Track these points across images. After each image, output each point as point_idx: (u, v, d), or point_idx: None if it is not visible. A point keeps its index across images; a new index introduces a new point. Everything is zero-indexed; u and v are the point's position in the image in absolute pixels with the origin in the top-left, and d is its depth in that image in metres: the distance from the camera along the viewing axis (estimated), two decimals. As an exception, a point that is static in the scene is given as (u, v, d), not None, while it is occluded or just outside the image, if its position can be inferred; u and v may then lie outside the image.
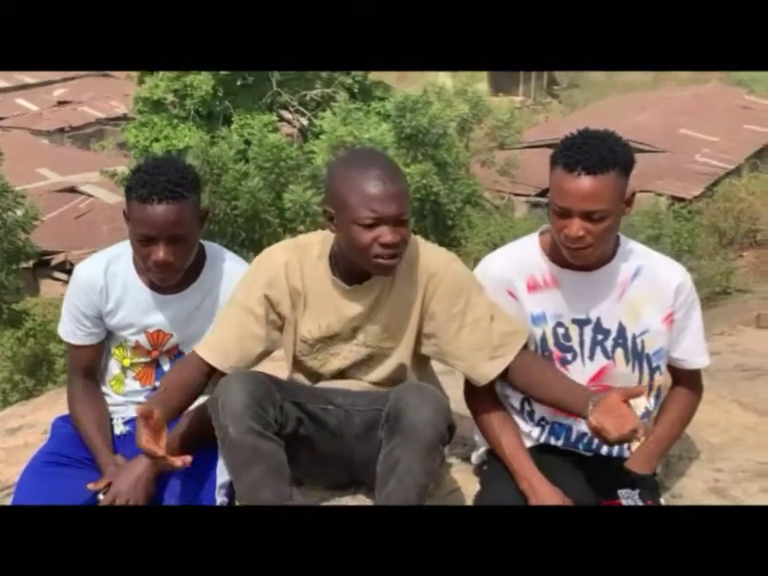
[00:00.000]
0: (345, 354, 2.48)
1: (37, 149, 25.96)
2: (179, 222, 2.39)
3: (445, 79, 24.67)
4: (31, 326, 15.37)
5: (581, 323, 2.44)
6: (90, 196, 21.73)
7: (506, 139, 18.75)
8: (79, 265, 2.63)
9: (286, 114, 18.83)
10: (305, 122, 18.01)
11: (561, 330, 2.45)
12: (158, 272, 2.45)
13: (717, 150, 26.54)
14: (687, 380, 2.54)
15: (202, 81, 17.26)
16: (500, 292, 2.45)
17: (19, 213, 15.32)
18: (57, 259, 18.20)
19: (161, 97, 17.85)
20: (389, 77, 26.62)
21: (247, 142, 16.08)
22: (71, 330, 2.62)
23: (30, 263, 17.33)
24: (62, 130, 30.25)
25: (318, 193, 13.87)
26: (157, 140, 17.85)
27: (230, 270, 2.61)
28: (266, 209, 13.65)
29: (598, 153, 2.22)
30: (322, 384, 2.53)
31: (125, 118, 26.75)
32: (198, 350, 2.46)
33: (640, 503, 2.34)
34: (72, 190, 22.22)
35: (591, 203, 2.23)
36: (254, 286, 2.46)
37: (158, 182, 2.38)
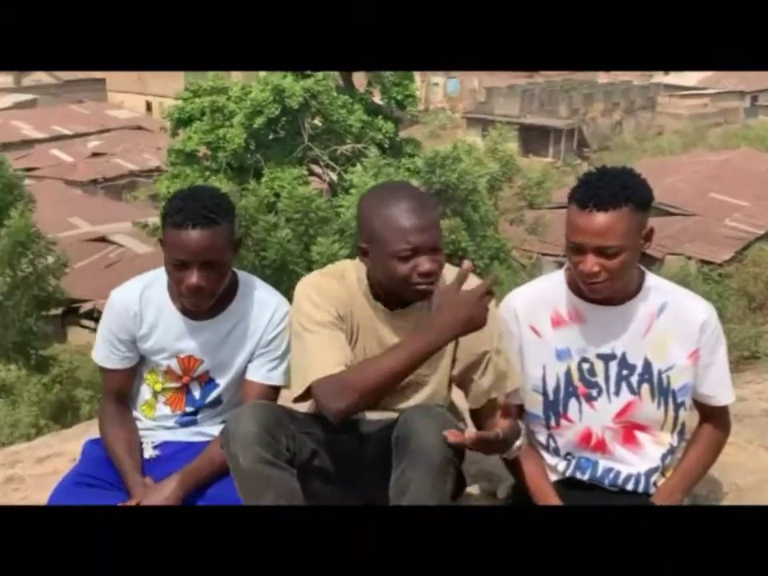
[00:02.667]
0: None
1: (70, 198, 26.34)
2: (212, 247, 2.44)
3: (475, 138, 24.91)
4: (58, 372, 15.47)
5: (606, 358, 2.45)
6: (121, 246, 21.97)
7: (536, 199, 18.86)
8: (115, 290, 2.67)
9: (317, 169, 19.04)
10: (334, 176, 18.19)
11: (586, 366, 2.46)
12: (190, 297, 2.49)
13: (747, 214, 26.49)
14: (714, 416, 2.55)
15: (235, 134, 17.52)
16: (523, 327, 2.48)
17: (50, 260, 15.54)
18: (85, 307, 18.35)
19: (193, 149, 18.12)
20: (419, 134, 26.84)
21: (276, 195, 16.27)
22: (105, 354, 2.67)
23: (59, 310, 17.51)
24: (95, 181, 30.73)
25: (346, 247, 13.96)
26: (189, 191, 18.06)
27: (262, 299, 2.65)
28: (294, 260, 13.78)
29: (610, 189, 2.26)
30: None
31: (157, 169, 27.19)
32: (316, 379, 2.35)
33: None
34: (103, 239, 22.48)
35: (603, 239, 2.26)
36: (324, 305, 2.43)
37: (192, 208, 2.44)
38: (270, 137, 18.18)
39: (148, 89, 43.86)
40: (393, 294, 2.42)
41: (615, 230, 2.26)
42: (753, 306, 20.31)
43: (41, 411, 14.73)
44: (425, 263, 2.30)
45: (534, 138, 39.78)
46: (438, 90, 49.19)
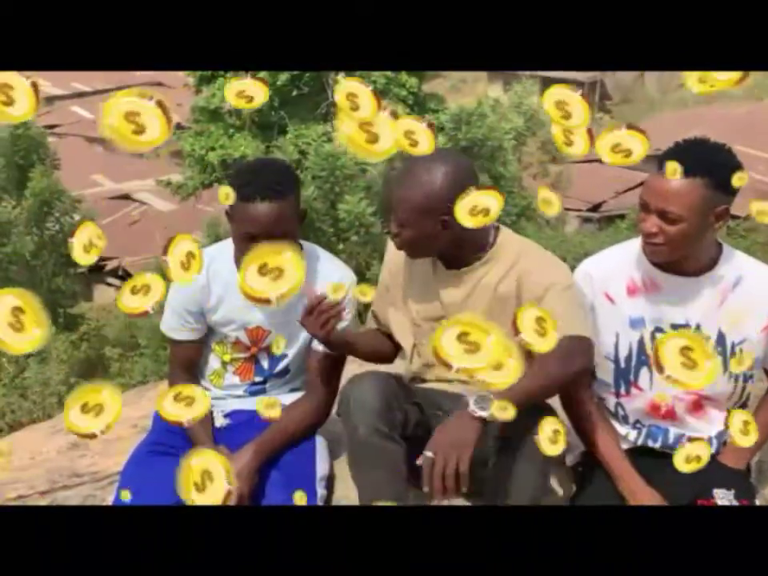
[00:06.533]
0: None
1: (91, 156, 26.27)
2: (280, 219, 2.45)
3: (497, 92, 24.65)
4: (86, 330, 15.59)
5: (680, 328, 2.45)
6: (144, 203, 21.98)
7: (559, 153, 18.65)
8: None
9: (340, 125, 18.89)
10: (359, 132, 18.06)
11: (659, 335, 2.46)
12: None
13: (771, 167, 26.14)
14: None
15: (259, 91, 17.39)
16: (597, 295, 2.48)
17: (76, 218, 15.55)
18: (110, 265, 18.39)
19: (218, 106, 18.03)
20: (441, 88, 26.59)
21: (302, 152, 16.21)
22: (174, 325, 2.68)
23: (85, 269, 17.59)
24: (116, 138, 30.62)
25: (373, 204, 13.92)
26: (213, 149, 18.03)
27: (326, 271, 2.66)
28: (320, 218, 13.74)
29: (692, 158, 2.23)
30: (427, 385, 2.56)
31: (179, 126, 26.99)
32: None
33: (735, 503, 2.36)
34: (126, 197, 22.50)
35: (665, 202, 2.27)
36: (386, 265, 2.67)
37: (261, 180, 2.44)
38: (294, 93, 18.06)
39: (166, 44, 43.50)
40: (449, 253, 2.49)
41: (680, 198, 2.26)
42: (778, 259, 20.13)
43: (70, 369, 14.87)
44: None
45: (555, 91, 39.25)
46: (457, 42, 48.58)
